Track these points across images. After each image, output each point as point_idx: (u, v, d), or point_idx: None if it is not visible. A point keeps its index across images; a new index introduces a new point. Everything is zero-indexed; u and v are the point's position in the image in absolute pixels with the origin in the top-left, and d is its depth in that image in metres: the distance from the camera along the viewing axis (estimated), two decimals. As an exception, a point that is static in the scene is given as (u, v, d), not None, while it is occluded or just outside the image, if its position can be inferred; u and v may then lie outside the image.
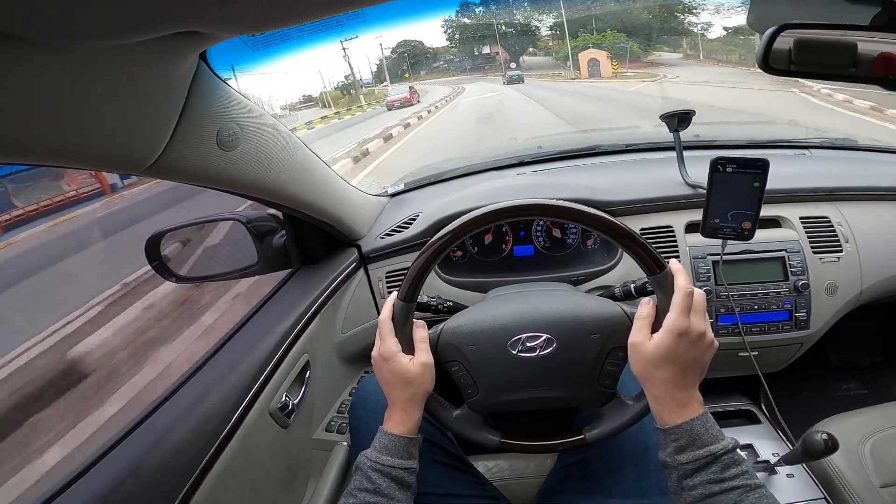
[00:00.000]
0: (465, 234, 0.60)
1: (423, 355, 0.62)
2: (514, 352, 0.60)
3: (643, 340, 0.54)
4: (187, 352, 2.83)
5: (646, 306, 0.57)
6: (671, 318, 0.52)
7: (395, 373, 0.61)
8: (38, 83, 0.38)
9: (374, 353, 0.64)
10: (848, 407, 0.95)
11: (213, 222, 1.02)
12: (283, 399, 0.84)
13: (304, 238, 1.04)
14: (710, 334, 0.54)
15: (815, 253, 0.99)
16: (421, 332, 0.64)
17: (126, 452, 0.60)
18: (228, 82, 0.62)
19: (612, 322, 0.60)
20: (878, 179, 1.08)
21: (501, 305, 0.67)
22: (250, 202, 0.87)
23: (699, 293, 0.55)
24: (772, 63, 0.58)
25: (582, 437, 0.63)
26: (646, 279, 0.58)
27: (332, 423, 1.01)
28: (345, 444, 0.94)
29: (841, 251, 1.00)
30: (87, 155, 0.48)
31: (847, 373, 1.50)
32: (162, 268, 0.95)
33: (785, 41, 0.57)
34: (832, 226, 1.01)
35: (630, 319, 0.59)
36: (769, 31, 0.57)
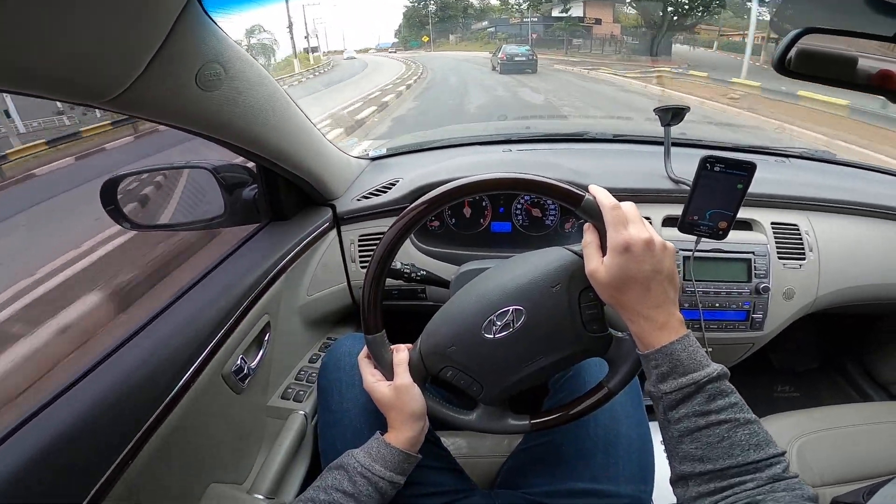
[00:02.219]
0: (426, 216, 0.59)
1: (398, 378, 0.61)
2: (490, 336, 0.59)
3: (597, 267, 0.52)
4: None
5: (588, 233, 0.55)
6: (609, 237, 0.51)
7: (380, 402, 0.62)
8: None
9: (363, 385, 0.65)
10: (780, 408, 1.00)
11: (179, 169, 0.95)
12: (239, 362, 0.79)
13: (277, 192, 0.99)
14: (658, 238, 0.51)
15: (779, 258, 1.03)
16: (399, 355, 0.63)
17: (63, 409, 0.55)
18: (219, 23, 0.57)
19: (565, 266, 0.58)
20: (850, 194, 1.12)
21: (460, 298, 0.65)
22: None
23: (628, 204, 0.53)
24: (788, 66, 0.58)
25: (605, 389, 0.61)
26: None
27: (289, 390, 0.97)
28: (301, 412, 0.92)
29: (804, 259, 1.04)
30: (42, 79, 0.42)
31: (784, 376, 1.59)
32: (117, 213, 0.88)
33: (809, 44, 0.57)
34: (800, 234, 1.05)
35: (580, 257, 0.57)
36: (790, 34, 0.57)
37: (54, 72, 0.42)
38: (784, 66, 0.58)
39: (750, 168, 0.85)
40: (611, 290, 0.51)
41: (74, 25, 0.39)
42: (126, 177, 0.87)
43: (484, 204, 1.13)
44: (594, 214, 0.54)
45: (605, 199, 0.52)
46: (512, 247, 1.10)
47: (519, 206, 1.13)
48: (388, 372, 0.63)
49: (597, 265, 0.52)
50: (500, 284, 0.61)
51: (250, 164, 0.94)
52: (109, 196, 0.86)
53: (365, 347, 0.65)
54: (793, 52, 0.58)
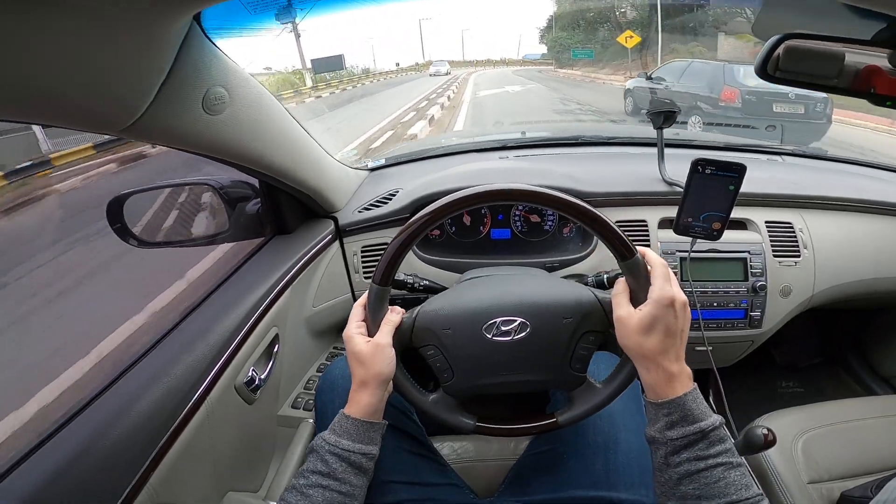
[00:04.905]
0: (444, 217, 0.59)
1: (380, 337, 0.61)
2: (489, 336, 0.61)
3: (630, 312, 0.55)
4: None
5: (619, 284, 0.58)
6: (658, 289, 0.53)
7: (351, 353, 0.61)
8: (17, 31, 0.35)
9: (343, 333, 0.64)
10: (785, 404, 1.01)
11: (183, 187, 0.97)
12: (250, 373, 0.82)
13: (280, 207, 1.01)
14: (687, 300, 0.55)
15: (775, 256, 1.05)
16: (391, 315, 0.63)
17: (83, 426, 0.58)
18: (219, 45, 0.59)
19: (585, 306, 0.60)
20: (842, 190, 1.13)
21: (476, 290, 0.67)
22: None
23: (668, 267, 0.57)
24: (769, 70, 0.59)
25: (554, 420, 0.64)
26: (619, 270, 0.60)
27: (299, 399, 1.00)
28: (311, 420, 0.94)
29: (799, 256, 1.06)
30: (64, 111, 0.45)
31: (787, 372, 1.60)
32: (123, 231, 0.90)
33: (789, 49, 0.57)
34: (794, 232, 1.07)
35: (601, 304, 0.60)
36: (771, 40, 0.58)
37: (75, 104, 0.45)
38: (766, 71, 0.59)
39: (740, 170, 0.87)
40: (638, 336, 0.53)
41: (89, 59, 0.42)
42: (131, 195, 0.89)
43: (483, 212, 1.14)
44: (635, 274, 0.56)
45: (654, 256, 0.57)
46: (512, 253, 1.11)
47: (517, 213, 1.14)
48: (374, 328, 0.62)
49: (630, 311, 0.55)
50: (519, 295, 0.63)
51: (252, 180, 0.96)
52: (115, 215, 0.88)
53: (364, 295, 0.64)
54: (780, 51, 0.58)
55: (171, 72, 0.51)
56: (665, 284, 0.54)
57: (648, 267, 0.56)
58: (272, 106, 0.76)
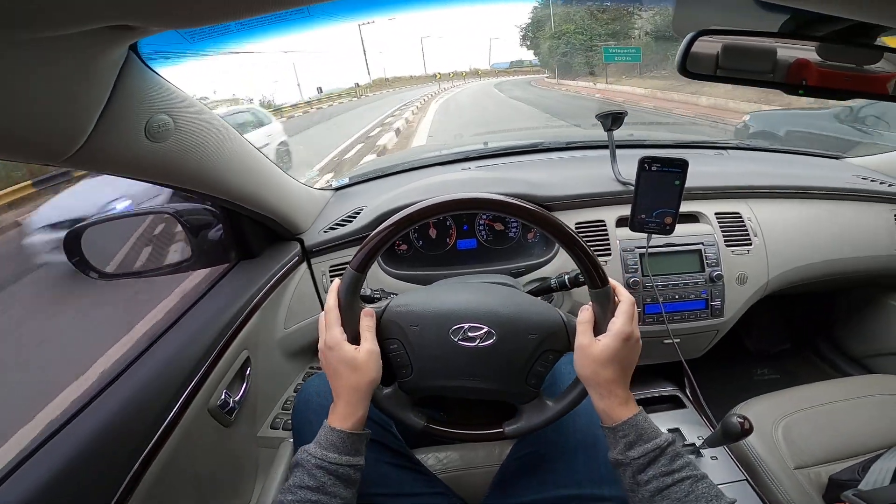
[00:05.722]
0: (440, 213, 0.60)
1: (369, 343, 0.61)
2: (454, 339, 0.62)
3: (590, 343, 0.58)
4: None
5: (586, 312, 0.60)
6: (619, 324, 0.57)
7: (341, 360, 0.59)
8: None
9: (320, 343, 0.63)
10: (762, 391, 1.04)
11: (142, 216, 0.97)
12: (223, 397, 0.81)
13: (243, 232, 1.01)
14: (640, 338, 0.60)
15: (727, 246, 1.09)
16: (368, 320, 0.63)
17: (49, 458, 0.56)
18: (161, 73, 0.60)
19: (551, 326, 0.62)
20: (784, 179, 1.19)
21: (450, 293, 0.68)
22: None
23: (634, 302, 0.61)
24: (689, 67, 0.61)
25: (501, 430, 0.66)
26: (578, 271, 0.62)
27: (278, 419, 0.99)
28: (291, 440, 0.93)
29: (750, 244, 1.10)
30: (2, 142, 0.45)
31: (761, 359, 1.64)
32: (83, 264, 0.89)
33: (702, 46, 0.60)
34: (743, 221, 1.11)
35: (566, 327, 0.62)
36: (687, 38, 0.60)
37: (11, 135, 0.45)
38: (685, 69, 0.62)
39: (683, 164, 0.91)
40: (597, 365, 0.57)
41: (23, 90, 0.42)
42: (88, 227, 0.88)
43: (448, 223, 1.17)
44: (602, 302, 0.59)
45: (624, 291, 0.61)
46: (479, 262, 1.13)
47: (482, 223, 1.17)
48: (352, 333, 0.61)
49: (591, 341, 0.58)
50: (490, 304, 0.64)
51: (214, 206, 0.96)
52: (73, 248, 0.87)
53: (337, 281, 0.63)
54: (719, 50, 0.61)
55: (110, 101, 0.51)
56: (628, 321, 0.57)
57: (616, 299, 0.59)
58: (224, 131, 0.75)
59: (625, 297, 0.60)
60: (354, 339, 0.62)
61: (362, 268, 0.61)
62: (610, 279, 0.60)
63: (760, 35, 0.59)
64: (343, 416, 0.58)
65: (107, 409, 0.64)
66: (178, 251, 0.99)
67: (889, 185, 1.24)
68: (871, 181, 1.25)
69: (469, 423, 0.68)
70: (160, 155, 0.63)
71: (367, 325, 0.62)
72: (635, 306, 0.60)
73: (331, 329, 0.61)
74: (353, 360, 0.59)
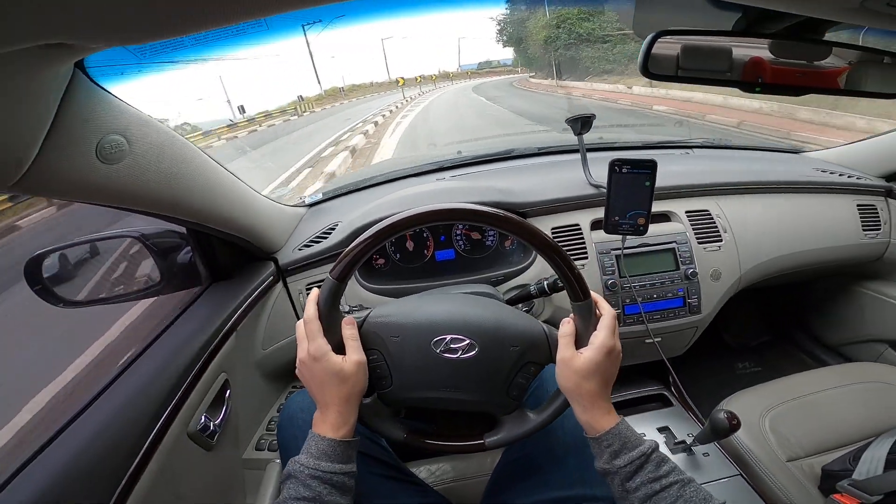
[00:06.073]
0: (425, 223, 0.59)
1: (356, 354, 0.60)
2: (436, 350, 0.61)
3: (573, 356, 0.58)
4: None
5: (568, 325, 0.61)
6: (602, 338, 0.58)
7: (329, 371, 0.58)
8: None
9: (301, 354, 0.60)
10: (745, 384, 1.05)
11: (105, 240, 0.94)
12: (203, 420, 0.79)
13: (213, 253, 0.98)
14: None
15: (699, 243, 1.11)
16: (350, 329, 0.62)
17: (21, 491, 0.53)
18: (112, 90, 0.57)
19: (532, 338, 0.62)
20: (749, 175, 1.23)
21: (432, 304, 0.67)
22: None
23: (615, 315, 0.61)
24: (651, 69, 0.63)
25: (482, 441, 0.65)
26: (556, 277, 0.62)
27: (262, 440, 0.98)
28: (277, 461, 0.92)
29: (721, 240, 1.12)
30: None
31: (741, 353, 1.68)
32: (45, 292, 0.85)
33: (664, 48, 0.61)
34: (712, 218, 1.14)
35: (548, 340, 0.62)
36: (647, 39, 0.61)
37: None
38: (647, 70, 0.63)
39: (652, 165, 0.92)
40: (579, 378, 0.57)
41: None
42: (48, 254, 0.85)
43: (425, 235, 1.16)
44: (584, 314, 0.59)
45: (605, 304, 0.61)
46: (458, 272, 1.13)
47: (459, 233, 1.17)
48: (334, 343, 0.60)
49: (573, 354, 0.58)
50: (473, 316, 0.64)
51: (180, 228, 0.92)
52: (34, 276, 0.83)
53: (315, 291, 0.62)
54: (679, 51, 0.62)
55: (56, 122, 0.49)
56: (609, 335, 0.58)
57: (598, 312, 0.60)
58: (184, 149, 0.73)
59: (606, 311, 0.60)
60: (337, 349, 0.60)
61: (343, 277, 0.60)
62: (592, 292, 0.60)
63: (716, 34, 0.61)
64: (335, 425, 0.57)
65: (80, 437, 0.61)
66: (147, 275, 0.95)
67: (848, 177, 1.29)
68: (831, 173, 1.30)
69: (450, 435, 0.67)
70: (115, 177, 0.60)
71: (351, 334, 0.62)
72: (616, 319, 0.60)
73: (314, 339, 0.60)
74: (342, 370, 0.58)
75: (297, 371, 0.62)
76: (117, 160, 0.59)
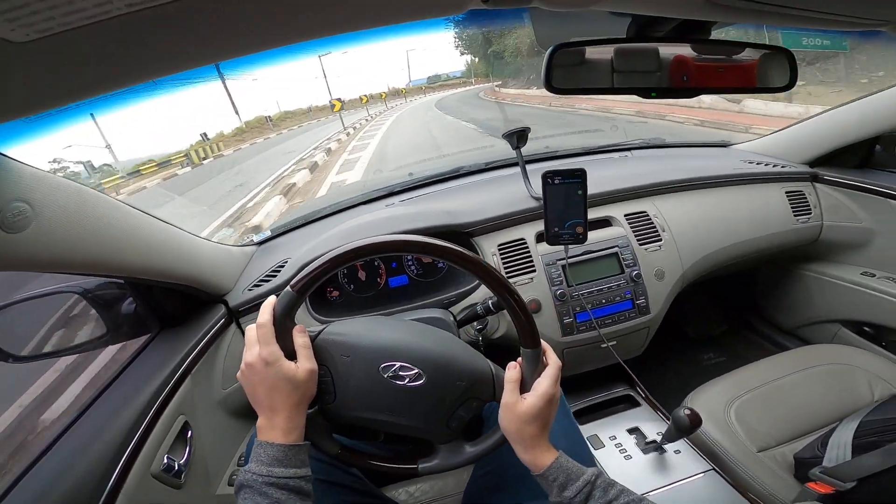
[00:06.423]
0: (379, 253, 0.61)
1: (309, 362, 0.60)
2: (384, 375, 0.62)
3: (516, 401, 0.61)
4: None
5: (513, 371, 0.63)
6: (545, 385, 0.61)
7: (282, 377, 0.58)
8: None
9: (250, 358, 0.59)
10: (713, 375, 1.07)
11: (45, 297, 0.92)
12: (166, 461, 0.79)
13: (158, 302, 0.97)
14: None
15: (640, 245, 1.14)
16: (303, 338, 0.62)
17: None
18: (12, 155, 0.56)
19: (479, 375, 0.65)
20: (681, 173, 1.28)
21: (386, 329, 0.68)
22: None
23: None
24: (554, 83, 0.62)
25: (415, 467, 0.67)
26: (495, 298, 0.64)
27: (234, 476, 0.97)
28: None
29: (661, 240, 1.16)
30: None
31: (705, 345, 1.71)
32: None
33: (597, 53, 0.61)
34: (650, 219, 1.18)
35: (494, 380, 0.65)
36: (547, 53, 0.61)
37: None
38: (550, 84, 0.62)
39: (582, 174, 0.96)
40: (522, 422, 0.60)
41: None
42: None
43: (377, 263, 1.17)
44: (531, 361, 0.62)
45: (553, 355, 0.65)
46: (412, 297, 1.13)
47: (410, 259, 1.18)
48: (286, 350, 0.60)
49: (517, 399, 0.61)
50: (425, 348, 0.65)
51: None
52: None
53: (272, 299, 0.62)
54: (611, 55, 0.62)
55: None
56: (552, 384, 0.61)
57: (545, 360, 0.63)
58: (101, 205, 0.70)
59: (552, 361, 0.64)
60: (289, 356, 0.60)
61: (303, 290, 0.60)
62: (545, 343, 0.64)
63: (612, 42, 0.61)
64: (285, 430, 0.58)
65: (36, 485, 0.61)
66: (93, 327, 0.94)
67: (774, 166, 1.35)
68: (758, 164, 1.36)
69: (386, 457, 0.69)
70: (23, 245, 0.57)
71: (303, 342, 0.62)
72: (560, 370, 0.63)
73: (268, 344, 0.59)
74: (294, 377, 0.59)
75: (239, 374, 0.61)
76: (22, 227, 0.57)
